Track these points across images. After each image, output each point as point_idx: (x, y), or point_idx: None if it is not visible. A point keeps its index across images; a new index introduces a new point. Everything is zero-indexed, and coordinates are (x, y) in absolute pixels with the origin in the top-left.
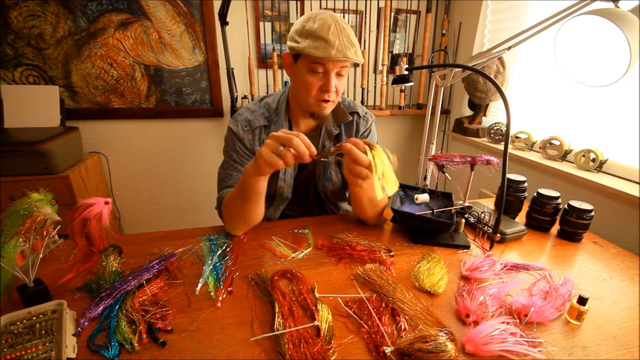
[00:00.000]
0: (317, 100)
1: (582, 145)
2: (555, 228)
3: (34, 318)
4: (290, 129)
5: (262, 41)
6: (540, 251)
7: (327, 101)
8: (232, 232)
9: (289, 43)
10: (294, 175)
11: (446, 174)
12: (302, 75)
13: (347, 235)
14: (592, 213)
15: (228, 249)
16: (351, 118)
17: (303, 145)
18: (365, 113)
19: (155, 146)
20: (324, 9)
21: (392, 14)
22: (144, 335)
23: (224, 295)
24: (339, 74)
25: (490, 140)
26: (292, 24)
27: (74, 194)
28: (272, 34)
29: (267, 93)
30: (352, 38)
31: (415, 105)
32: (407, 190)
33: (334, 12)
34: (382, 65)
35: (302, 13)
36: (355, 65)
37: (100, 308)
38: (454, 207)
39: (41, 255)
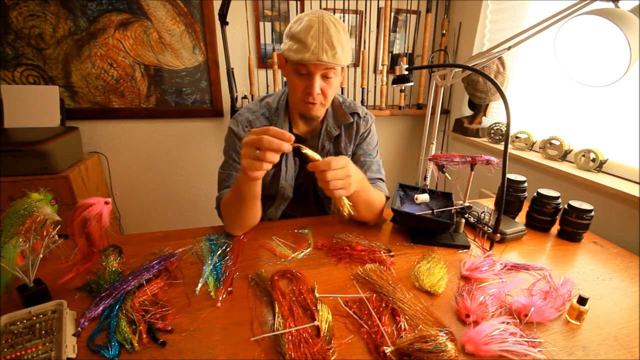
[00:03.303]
0: (302, 101)
1: (582, 145)
2: (555, 228)
3: (34, 318)
4: (290, 129)
5: (262, 41)
6: (540, 251)
7: (313, 103)
8: (231, 233)
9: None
10: (294, 175)
11: (446, 174)
12: (290, 77)
13: (347, 235)
14: (592, 213)
15: (228, 249)
16: (352, 119)
17: (275, 140)
18: (366, 114)
19: (155, 146)
20: (324, 9)
21: (392, 14)
22: (144, 335)
23: (224, 295)
24: (325, 76)
25: (490, 140)
26: None
27: (74, 194)
28: (272, 34)
29: (267, 93)
30: (335, 40)
31: (415, 105)
32: (407, 190)
33: (334, 12)
34: (382, 65)
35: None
36: (355, 65)
37: (100, 308)
38: (454, 207)
39: (41, 255)
